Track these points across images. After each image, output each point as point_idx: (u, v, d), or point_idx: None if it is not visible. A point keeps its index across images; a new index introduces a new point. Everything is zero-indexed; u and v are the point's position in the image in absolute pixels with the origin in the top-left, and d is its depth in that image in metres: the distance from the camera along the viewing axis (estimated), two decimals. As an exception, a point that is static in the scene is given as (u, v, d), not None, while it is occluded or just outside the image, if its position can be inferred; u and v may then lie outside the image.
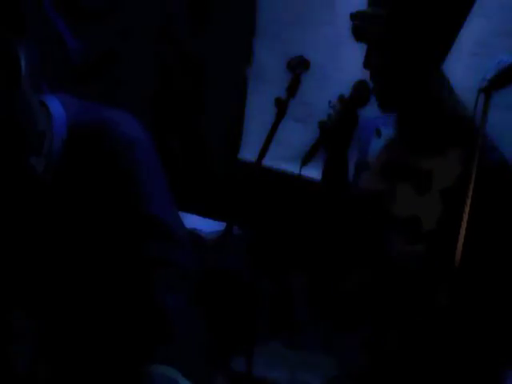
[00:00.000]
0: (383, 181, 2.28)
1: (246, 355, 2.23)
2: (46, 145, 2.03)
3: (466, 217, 1.89)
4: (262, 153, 2.19)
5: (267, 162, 2.21)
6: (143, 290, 2.07)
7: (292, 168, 3.75)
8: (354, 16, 2.17)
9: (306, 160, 2.21)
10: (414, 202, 2.20)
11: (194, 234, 3.45)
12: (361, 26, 2.16)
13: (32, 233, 2.05)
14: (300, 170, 2.19)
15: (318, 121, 2.24)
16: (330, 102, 2.25)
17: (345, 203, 2.31)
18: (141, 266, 2.07)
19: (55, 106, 2.07)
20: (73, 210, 2.05)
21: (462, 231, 1.89)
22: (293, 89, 2.21)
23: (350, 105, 2.22)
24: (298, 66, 2.23)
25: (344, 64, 3.56)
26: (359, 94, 2.22)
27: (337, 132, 2.22)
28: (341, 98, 2.24)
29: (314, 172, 2.33)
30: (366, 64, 2.19)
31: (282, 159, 3.63)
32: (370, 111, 2.28)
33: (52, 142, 2.03)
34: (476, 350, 2.18)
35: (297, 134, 3.58)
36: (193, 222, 3.52)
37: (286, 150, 3.59)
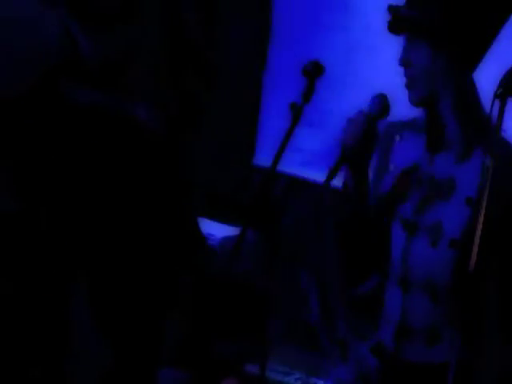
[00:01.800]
0: (406, 185, 2.27)
1: (260, 359, 2.23)
2: None
3: (479, 225, 1.88)
4: (277, 158, 2.19)
5: (281, 167, 2.21)
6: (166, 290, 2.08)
7: (306, 173, 3.75)
8: (395, 9, 2.17)
9: (329, 178, 2.19)
10: (436, 208, 2.20)
11: (208, 239, 3.45)
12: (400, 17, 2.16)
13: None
14: (325, 186, 2.18)
15: (337, 135, 2.23)
16: (348, 119, 2.23)
17: (365, 210, 2.30)
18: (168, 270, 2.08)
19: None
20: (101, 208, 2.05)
21: (477, 239, 1.88)
22: (308, 94, 2.21)
23: (370, 120, 2.20)
24: (313, 71, 2.23)
25: (359, 69, 3.56)
26: (380, 108, 2.21)
27: (359, 150, 2.21)
28: (360, 114, 2.22)
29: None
30: (404, 61, 2.19)
31: (297, 164, 3.63)
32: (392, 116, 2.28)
33: None
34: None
35: (311, 140, 3.58)
36: (207, 226, 3.52)
37: (300, 155, 3.59)
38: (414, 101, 2.22)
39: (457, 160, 2.20)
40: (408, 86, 2.21)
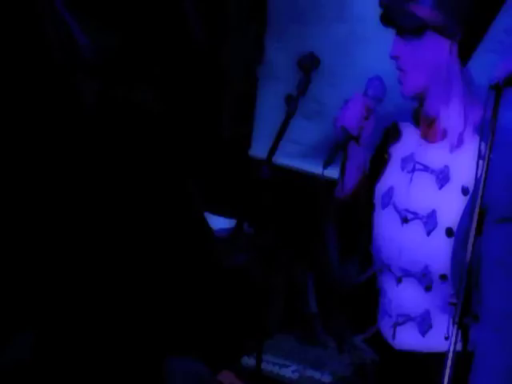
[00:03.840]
0: (401, 174, 2.27)
1: (256, 352, 2.24)
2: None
3: (475, 217, 1.89)
4: (273, 150, 2.19)
5: (277, 159, 2.22)
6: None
7: (302, 165, 3.75)
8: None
9: (327, 163, 2.19)
10: (432, 198, 2.20)
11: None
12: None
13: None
14: (322, 172, 2.18)
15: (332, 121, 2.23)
16: (346, 101, 2.23)
17: (361, 198, 2.30)
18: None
19: None
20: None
21: (473, 231, 1.89)
22: (303, 86, 2.22)
23: (368, 101, 2.21)
24: (309, 64, 2.23)
25: (354, 61, 3.55)
26: (376, 90, 2.21)
27: (358, 131, 2.21)
28: (358, 96, 2.22)
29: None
30: (394, 53, 2.19)
31: (293, 156, 3.63)
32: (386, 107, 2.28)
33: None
34: None
35: (307, 132, 3.58)
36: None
37: (296, 147, 3.59)
38: (406, 93, 2.22)
39: (451, 150, 2.20)
40: (399, 79, 2.21)
